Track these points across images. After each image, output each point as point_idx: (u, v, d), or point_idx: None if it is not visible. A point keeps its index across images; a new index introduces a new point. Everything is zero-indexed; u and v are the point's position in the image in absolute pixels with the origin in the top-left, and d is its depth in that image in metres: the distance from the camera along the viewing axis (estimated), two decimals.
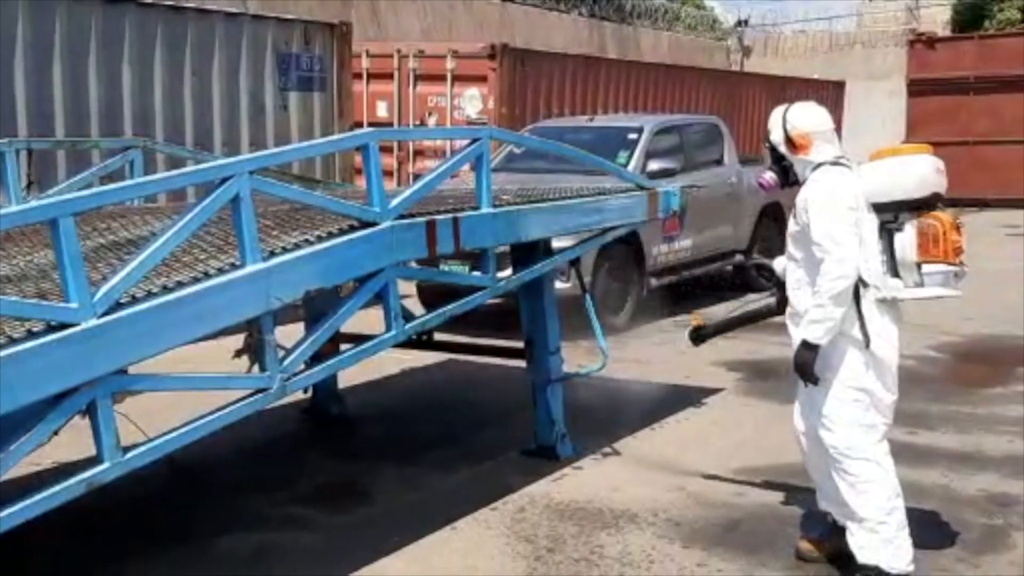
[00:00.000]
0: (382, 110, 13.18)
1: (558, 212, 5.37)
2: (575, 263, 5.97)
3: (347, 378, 6.76)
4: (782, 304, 4.42)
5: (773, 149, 4.24)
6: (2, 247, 4.50)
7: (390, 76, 13.13)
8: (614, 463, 5.72)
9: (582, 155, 6.08)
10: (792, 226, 4.18)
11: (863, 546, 4.03)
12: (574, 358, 6.25)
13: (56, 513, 3.23)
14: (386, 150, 12.20)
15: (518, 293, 5.72)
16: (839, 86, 21.41)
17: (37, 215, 3.13)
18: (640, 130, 10.16)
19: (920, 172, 4.03)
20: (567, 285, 7.19)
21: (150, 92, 8.27)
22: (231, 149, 8.60)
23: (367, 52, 12.91)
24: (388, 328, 4.40)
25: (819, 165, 4.09)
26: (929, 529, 4.70)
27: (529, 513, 4.96)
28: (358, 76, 12.02)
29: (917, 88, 20.96)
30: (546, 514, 4.95)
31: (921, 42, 21.35)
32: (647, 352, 8.57)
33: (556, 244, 5.82)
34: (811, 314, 3.92)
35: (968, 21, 24.86)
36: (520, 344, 5.93)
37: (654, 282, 9.84)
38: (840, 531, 4.20)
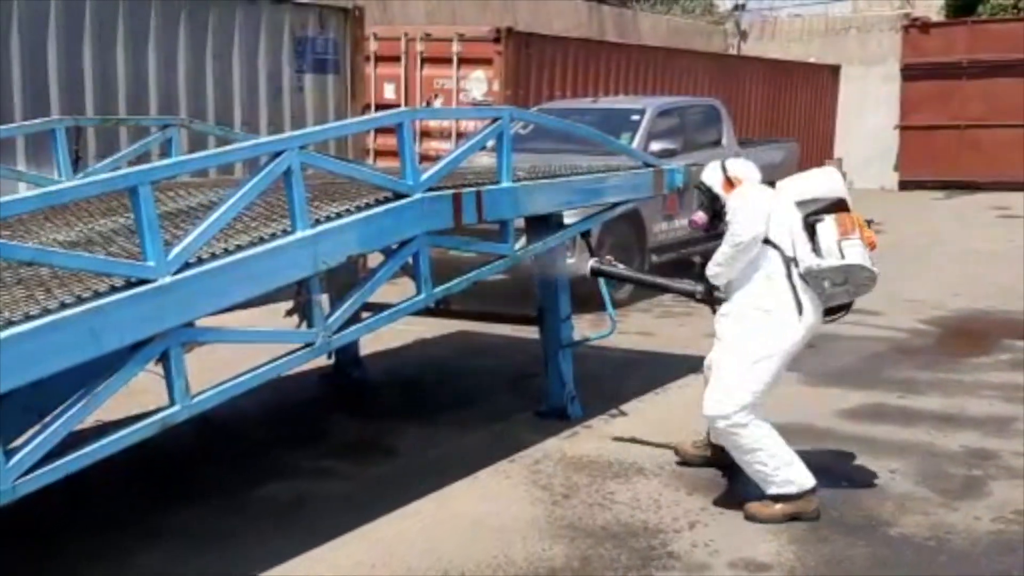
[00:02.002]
0: (389, 92, 13.49)
1: (571, 187, 5.76)
2: (586, 235, 6.35)
3: (365, 347, 7.15)
4: (705, 298, 5.02)
5: (708, 191, 4.93)
6: (62, 216, 4.86)
7: (397, 59, 13.44)
8: (621, 423, 6.11)
9: (597, 135, 6.46)
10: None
11: (767, 487, 4.62)
12: (578, 330, 6.60)
13: (105, 467, 3.58)
14: (392, 131, 12.49)
15: (533, 264, 6.10)
16: (834, 70, 21.71)
17: (120, 183, 3.51)
18: (642, 112, 10.53)
19: (837, 179, 4.85)
20: (572, 261, 7.58)
21: (174, 73, 8.58)
22: (250, 129, 8.92)
23: (375, 35, 13.20)
24: (418, 292, 4.79)
25: None
26: (912, 479, 5.13)
27: (544, 465, 5.36)
28: (367, 59, 12.33)
29: (911, 72, 21.31)
30: (560, 466, 5.35)
31: (915, 27, 21.69)
32: (648, 324, 8.98)
33: (567, 220, 6.21)
34: (716, 258, 4.72)
35: (962, 6, 25.16)
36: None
37: (655, 258, 10.23)
38: None
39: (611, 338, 6.40)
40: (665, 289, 5.66)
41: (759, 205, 4.70)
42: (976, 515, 4.68)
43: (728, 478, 5.02)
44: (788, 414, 5.96)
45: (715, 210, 4.88)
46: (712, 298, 4.94)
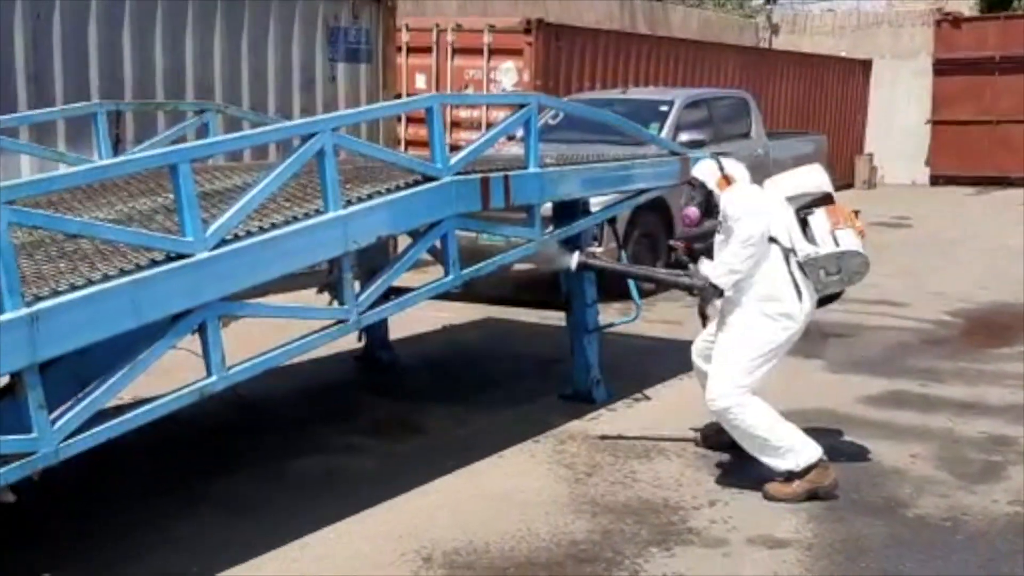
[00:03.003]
0: (420, 82, 13.64)
1: (597, 173, 5.86)
2: (612, 222, 6.45)
3: (393, 331, 7.28)
4: (700, 292, 5.01)
5: (701, 187, 4.96)
6: (103, 196, 5.01)
7: (428, 50, 13.59)
8: (645, 406, 6.22)
9: (623, 122, 6.55)
10: (719, 237, 4.91)
11: (777, 463, 4.75)
12: (604, 318, 6.66)
13: (145, 440, 3.70)
14: (422, 122, 12.62)
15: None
16: (866, 65, 21.69)
17: (160, 160, 3.65)
18: (671, 103, 10.61)
19: (822, 175, 5.02)
20: (599, 249, 7.68)
21: (210, 61, 8.74)
22: (284, 116, 9.07)
23: (407, 26, 13.35)
24: (447, 273, 4.91)
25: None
26: (931, 463, 5.21)
27: (569, 445, 5.47)
28: (398, 49, 12.47)
29: (943, 67, 21.22)
30: (584, 446, 5.46)
31: (947, 22, 21.57)
32: (674, 313, 9.04)
33: (594, 207, 6.31)
34: (728, 263, 4.71)
35: (996, 1, 25.01)
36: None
37: None
38: None
39: (637, 326, 6.50)
40: (658, 282, 5.71)
41: (760, 202, 4.83)
42: (994, 498, 4.75)
43: (748, 459, 5.08)
44: (812, 400, 6.09)
45: (708, 205, 4.94)
46: (710, 293, 4.94)
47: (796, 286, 4.74)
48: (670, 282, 5.41)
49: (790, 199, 4.87)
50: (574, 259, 5.73)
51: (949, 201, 18.78)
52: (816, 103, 19.79)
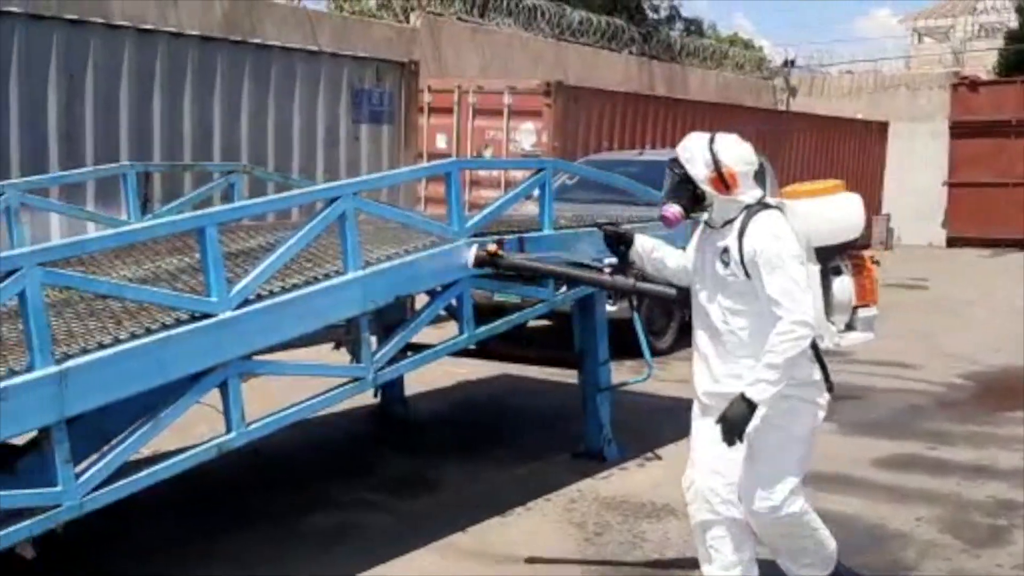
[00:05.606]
0: (441, 142, 13.88)
1: None
2: None
3: (409, 388, 7.41)
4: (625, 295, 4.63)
5: (686, 180, 3.83)
6: (130, 255, 5.19)
7: (450, 110, 13.84)
8: (656, 466, 6.29)
9: (632, 184, 6.71)
10: (721, 270, 3.80)
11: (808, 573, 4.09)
12: (617, 376, 6.76)
13: (159, 494, 3.80)
14: (443, 180, 12.85)
15: (573, 309, 6.34)
16: (883, 126, 21.87)
17: (189, 225, 3.82)
18: None
19: (860, 211, 4.03)
20: (613, 308, 7.79)
21: (237, 123, 9.03)
22: (307, 176, 9.32)
23: (429, 87, 13.62)
24: (461, 332, 5.05)
25: (749, 207, 3.81)
26: (936, 526, 5.26)
27: (579, 504, 5.56)
28: (420, 110, 12.73)
29: (960, 130, 21.40)
30: (594, 506, 5.54)
31: (964, 85, 21.80)
32: (687, 374, 9.09)
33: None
34: (763, 373, 3.64)
35: (1014, 65, 25.24)
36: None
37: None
38: None
39: (649, 385, 6.58)
40: (578, 280, 4.90)
41: (803, 274, 3.69)
42: (998, 562, 4.79)
43: None
44: (820, 462, 6.06)
45: (695, 197, 3.81)
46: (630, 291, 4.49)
47: (826, 373, 3.84)
48: (591, 281, 4.84)
49: (819, 251, 3.86)
50: (470, 254, 4.84)
51: (965, 263, 18.83)
52: (833, 164, 19.92)
